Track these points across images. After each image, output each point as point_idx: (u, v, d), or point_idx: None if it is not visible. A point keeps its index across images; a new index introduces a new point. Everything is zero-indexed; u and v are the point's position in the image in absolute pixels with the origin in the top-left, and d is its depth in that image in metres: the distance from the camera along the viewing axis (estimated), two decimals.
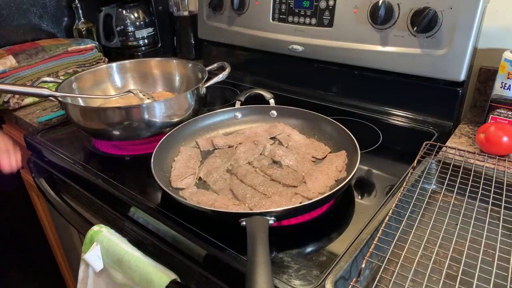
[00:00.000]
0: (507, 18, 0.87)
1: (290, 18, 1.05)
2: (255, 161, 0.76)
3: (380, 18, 0.87)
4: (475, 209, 0.59)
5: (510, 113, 0.78)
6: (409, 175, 0.67)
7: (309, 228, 0.62)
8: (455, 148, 0.74)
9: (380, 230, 0.54)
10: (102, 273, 0.69)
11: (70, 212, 0.81)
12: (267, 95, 0.90)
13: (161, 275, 0.59)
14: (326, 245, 0.57)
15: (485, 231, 0.55)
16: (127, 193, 0.71)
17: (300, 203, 0.62)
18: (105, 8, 1.36)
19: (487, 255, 0.50)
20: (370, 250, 0.50)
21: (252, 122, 0.88)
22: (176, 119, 0.84)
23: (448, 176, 0.67)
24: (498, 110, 0.79)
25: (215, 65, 1.00)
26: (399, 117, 0.95)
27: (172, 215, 0.64)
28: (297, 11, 1.03)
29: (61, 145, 0.90)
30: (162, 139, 0.76)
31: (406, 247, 0.51)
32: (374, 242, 0.51)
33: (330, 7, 0.97)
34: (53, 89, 0.85)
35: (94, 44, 1.28)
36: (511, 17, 0.87)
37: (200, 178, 0.72)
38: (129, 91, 0.93)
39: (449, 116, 0.89)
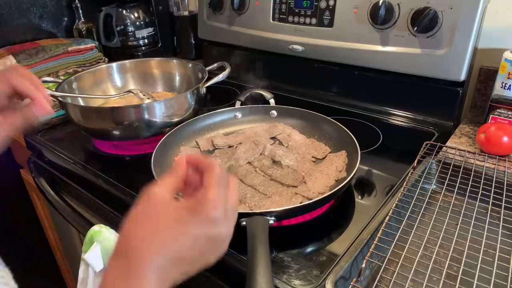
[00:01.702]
0: (507, 18, 0.87)
1: (290, 18, 1.04)
2: (255, 161, 0.76)
3: (380, 18, 0.86)
4: (475, 209, 0.58)
5: (510, 113, 0.78)
6: (409, 175, 0.67)
7: (309, 228, 0.62)
8: (455, 148, 0.74)
9: (380, 230, 0.54)
10: (102, 273, 0.69)
11: (70, 212, 0.81)
12: (267, 95, 0.90)
13: None
14: (326, 245, 0.57)
15: (485, 231, 0.54)
16: (127, 193, 0.71)
17: (300, 203, 0.62)
18: (105, 8, 1.35)
19: (487, 255, 0.50)
20: (370, 250, 0.50)
21: (252, 122, 0.88)
22: (176, 119, 0.84)
23: (448, 176, 0.67)
24: (498, 110, 0.79)
25: (215, 65, 1.00)
26: (399, 117, 0.95)
27: None
28: (297, 11, 1.03)
29: (61, 145, 0.90)
30: (162, 139, 0.76)
31: (406, 247, 0.51)
32: (374, 242, 0.51)
33: (330, 7, 0.97)
34: (53, 89, 0.85)
35: (94, 44, 1.28)
36: (511, 17, 0.87)
37: None
38: (129, 91, 0.93)
39: (449, 116, 0.89)
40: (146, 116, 0.79)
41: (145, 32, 1.40)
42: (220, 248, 0.39)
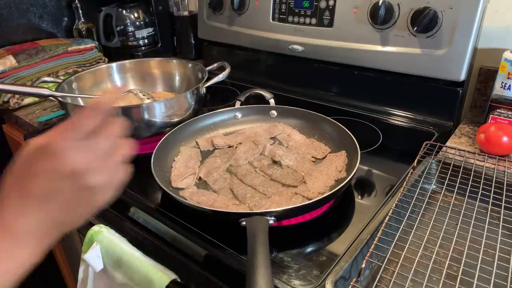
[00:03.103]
0: (507, 18, 0.87)
1: (290, 18, 1.04)
2: (255, 161, 0.76)
3: (380, 18, 0.86)
4: (475, 209, 0.58)
5: (510, 113, 0.78)
6: (409, 175, 0.67)
7: (309, 228, 0.62)
8: (455, 148, 0.74)
9: (380, 230, 0.54)
10: (102, 273, 0.69)
11: None
12: (267, 95, 0.89)
13: (161, 275, 0.59)
14: (326, 245, 0.57)
15: (485, 231, 0.54)
16: (127, 193, 0.71)
17: (300, 203, 0.62)
18: (105, 8, 1.36)
19: (487, 255, 0.50)
20: (370, 250, 0.50)
21: (252, 122, 0.88)
22: (176, 119, 0.84)
23: (448, 176, 0.67)
24: (498, 110, 0.79)
25: (215, 65, 1.00)
26: (399, 117, 0.95)
27: (172, 215, 0.64)
28: (297, 11, 1.03)
29: None
30: (162, 139, 0.76)
31: (406, 247, 0.51)
32: (374, 242, 0.51)
33: (330, 7, 0.97)
34: (53, 89, 0.85)
35: (94, 44, 1.28)
36: (511, 17, 0.87)
37: (200, 178, 0.72)
38: (129, 91, 0.93)
39: (449, 116, 0.89)
40: (146, 116, 0.79)
41: (145, 32, 1.40)
42: (91, 180, 0.37)
